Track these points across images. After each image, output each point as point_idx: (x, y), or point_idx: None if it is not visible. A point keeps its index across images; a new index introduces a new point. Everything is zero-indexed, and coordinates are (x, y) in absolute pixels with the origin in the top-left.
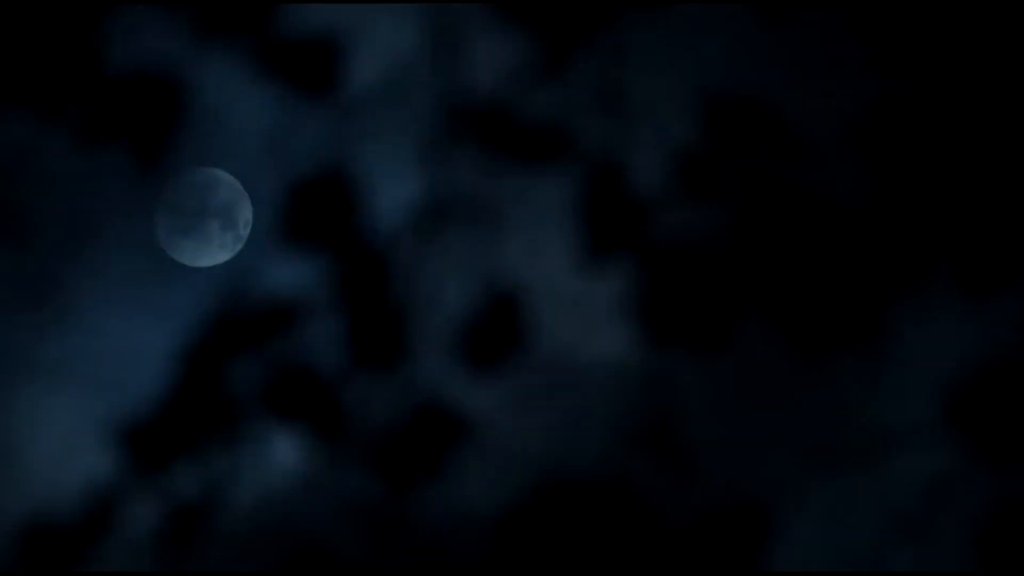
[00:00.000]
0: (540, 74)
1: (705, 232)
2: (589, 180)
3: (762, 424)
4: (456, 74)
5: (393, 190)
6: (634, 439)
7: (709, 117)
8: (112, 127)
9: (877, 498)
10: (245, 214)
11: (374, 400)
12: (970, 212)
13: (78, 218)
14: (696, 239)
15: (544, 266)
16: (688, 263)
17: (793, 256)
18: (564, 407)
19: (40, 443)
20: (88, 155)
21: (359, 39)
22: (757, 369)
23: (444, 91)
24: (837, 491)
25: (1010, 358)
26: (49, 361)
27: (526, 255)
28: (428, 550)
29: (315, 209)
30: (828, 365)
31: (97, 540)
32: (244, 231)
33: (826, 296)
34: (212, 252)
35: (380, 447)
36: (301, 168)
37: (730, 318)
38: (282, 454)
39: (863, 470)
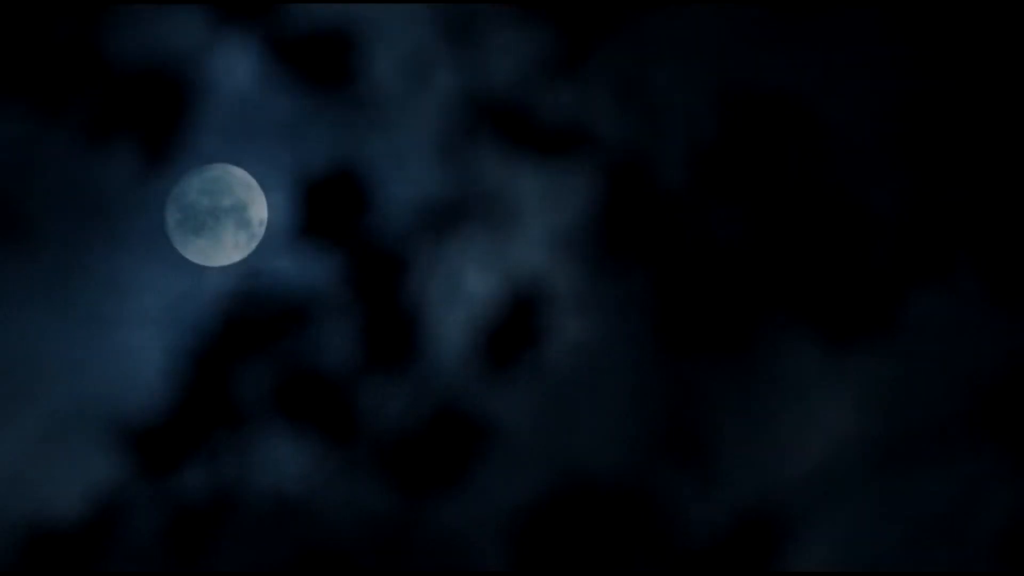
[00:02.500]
0: (559, 69)
1: (727, 230)
2: (609, 177)
3: (785, 426)
4: (474, 69)
5: (409, 187)
6: (654, 441)
7: (732, 113)
8: (123, 123)
9: (905, 501)
10: (260, 212)
11: (387, 402)
12: (1000, 210)
13: (88, 216)
14: (718, 237)
15: (563, 265)
16: (710, 262)
17: (818, 254)
18: (582, 410)
19: (47, 444)
20: (98, 152)
21: (375, 33)
22: (780, 370)
23: (461, 86)
24: (864, 493)
25: None
26: (57, 361)
27: (544, 253)
28: (441, 556)
29: (330, 206)
30: (854, 365)
31: (105, 543)
32: (259, 229)
33: (852, 295)
34: (226, 251)
35: (393, 451)
36: (316, 165)
37: (753, 318)
38: (293, 458)
39: (891, 472)
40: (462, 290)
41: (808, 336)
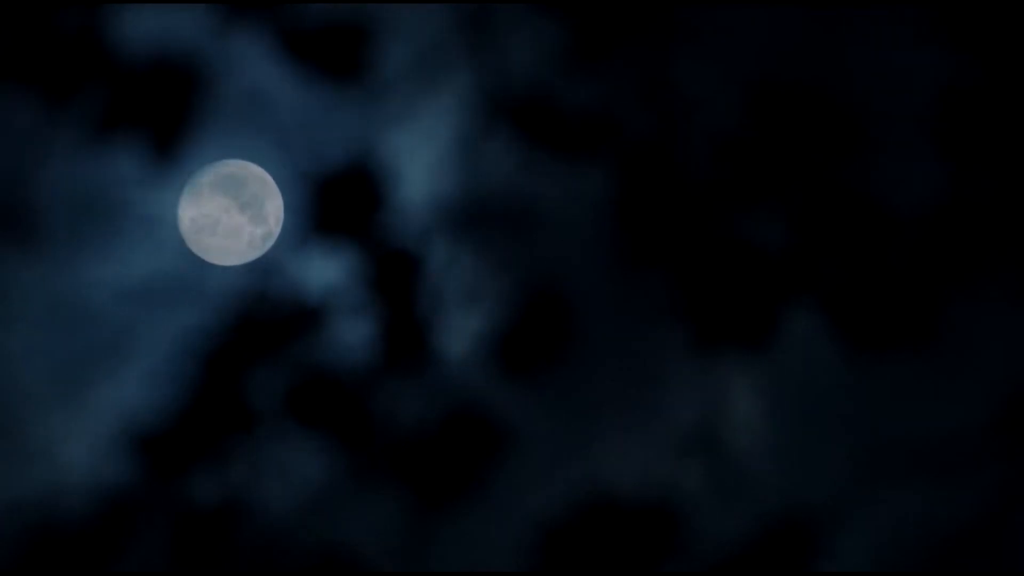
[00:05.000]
0: (580, 62)
1: (755, 228)
2: (631, 174)
3: (814, 432)
4: (492, 62)
5: (426, 184)
6: (679, 447)
7: (758, 107)
8: (134, 120)
9: (937, 508)
10: (275, 209)
11: (403, 407)
12: None
13: (99, 214)
14: (745, 236)
15: (584, 264)
16: (737, 261)
17: (848, 255)
18: (603, 414)
19: (55, 447)
20: (110, 147)
21: (390, 27)
22: (809, 374)
23: (479, 80)
24: (893, 503)
25: None
26: (66, 362)
27: (565, 252)
28: (457, 565)
29: (346, 204)
30: (884, 370)
31: (112, 548)
32: (275, 227)
33: (883, 298)
34: (240, 249)
35: (409, 456)
36: (331, 161)
37: (780, 319)
38: (305, 463)
39: (921, 481)
40: (480, 289)
41: (838, 338)
